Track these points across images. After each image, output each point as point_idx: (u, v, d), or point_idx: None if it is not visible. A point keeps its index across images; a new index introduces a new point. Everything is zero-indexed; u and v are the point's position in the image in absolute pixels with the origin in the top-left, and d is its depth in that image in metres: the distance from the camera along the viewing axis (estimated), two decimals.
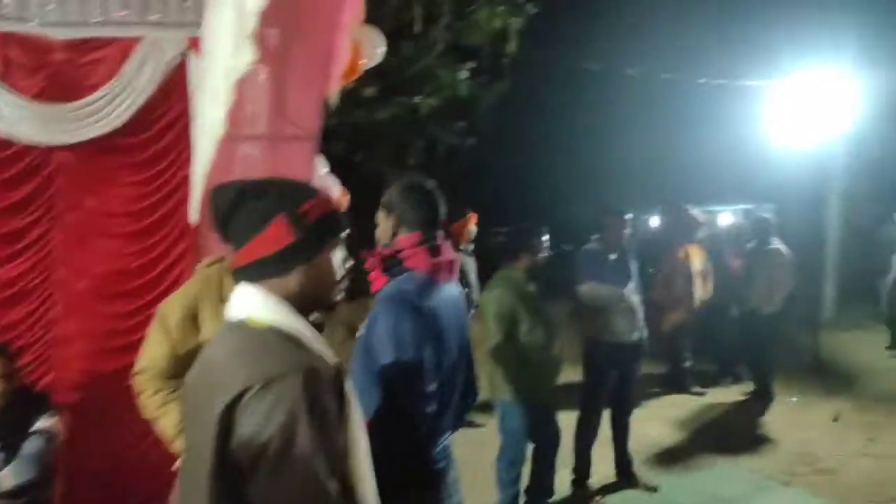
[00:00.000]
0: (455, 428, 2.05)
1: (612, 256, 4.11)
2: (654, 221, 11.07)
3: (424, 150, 8.56)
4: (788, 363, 6.71)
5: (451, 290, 1.98)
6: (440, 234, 1.98)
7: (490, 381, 3.44)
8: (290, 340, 1.26)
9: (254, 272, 1.30)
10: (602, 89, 10.90)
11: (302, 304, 1.32)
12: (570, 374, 4.56)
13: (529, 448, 3.54)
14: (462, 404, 2.07)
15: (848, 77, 8.17)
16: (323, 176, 2.92)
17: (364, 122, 7.36)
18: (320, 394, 1.20)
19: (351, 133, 7.65)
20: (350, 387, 1.32)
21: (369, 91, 6.83)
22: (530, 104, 12.55)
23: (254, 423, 1.15)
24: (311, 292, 1.34)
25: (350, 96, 6.68)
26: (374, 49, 2.85)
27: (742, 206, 11.83)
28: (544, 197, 13.67)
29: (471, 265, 5.46)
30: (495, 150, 12.36)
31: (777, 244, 6.03)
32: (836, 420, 5.38)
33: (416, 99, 7.32)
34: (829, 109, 8.20)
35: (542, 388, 3.44)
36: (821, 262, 9.35)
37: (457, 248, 5.51)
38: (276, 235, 1.28)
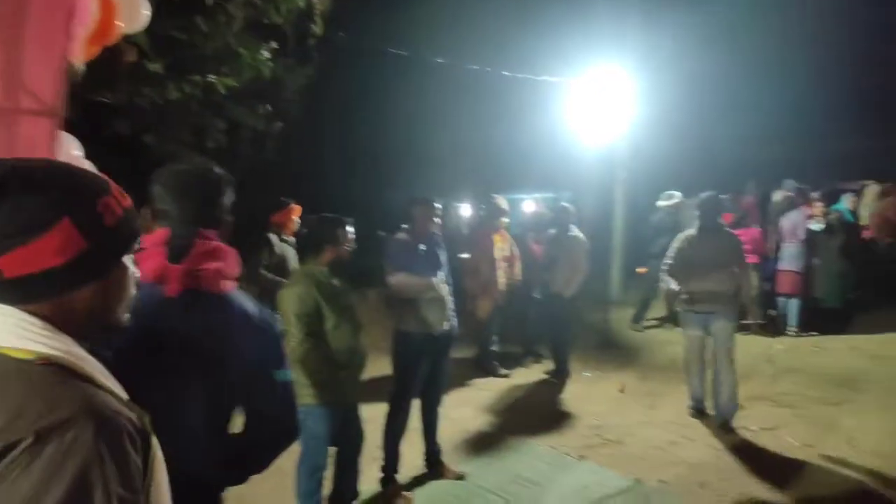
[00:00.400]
0: (214, 477, 1.59)
1: (422, 246, 4.06)
2: (465, 209, 11.43)
3: (227, 133, 7.90)
4: (583, 340, 7.28)
5: (203, 308, 1.54)
6: (212, 233, 1.66)
7: None
8: (71, 375, 0.92)
9: (19, 291, 0.95)
10: (414, 76, 10.96)
11: (83, 329, 1.00)
12: (380, 367, 4.47)
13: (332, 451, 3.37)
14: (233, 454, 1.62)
15: (628, 78, 9.04)
16: (72, 159, 2.44)
17: (153, 101, 6.57)
18: (121, 447, 0.88)
19: (138, 112, 6.81)
20: (156, 441, 0.99)
21: (155, 67, 6.09)
22: (344, 89, 12.27)
23: (21, 497, 0.80)
24: (99, 315, 1.03)
25: (135, 72, 5.92)
26: (135, 11, 2.42)
27: (542, 195, 12.68)
28: (362, 183, 13.50)
29: (295, 259, 5.17)
30: (309, 135, 11.90)
31: (576, 231, 6.47)
32: (622, 391, 5.91)
33: (212, 77, 6.68)
34: (613, 107, 9.01)
35: (348, 389, 3.26)
36: (609, 246, 10.31)
37: (280, 240, 5.24)
38: (59, 244, 0.94)
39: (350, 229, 3.34)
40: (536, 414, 5.43)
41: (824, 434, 4.78)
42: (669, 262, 5.15)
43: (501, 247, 6.47)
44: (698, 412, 5.18)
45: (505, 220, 6.69)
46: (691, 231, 5.13)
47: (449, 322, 4.12)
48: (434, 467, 4.22)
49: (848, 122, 12.90)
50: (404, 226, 4.12)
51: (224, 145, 7.93)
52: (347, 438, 3.36)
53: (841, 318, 8.11)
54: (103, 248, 1.00)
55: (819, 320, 7.96)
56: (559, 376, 6.36)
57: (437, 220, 4.09)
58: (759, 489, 3.97)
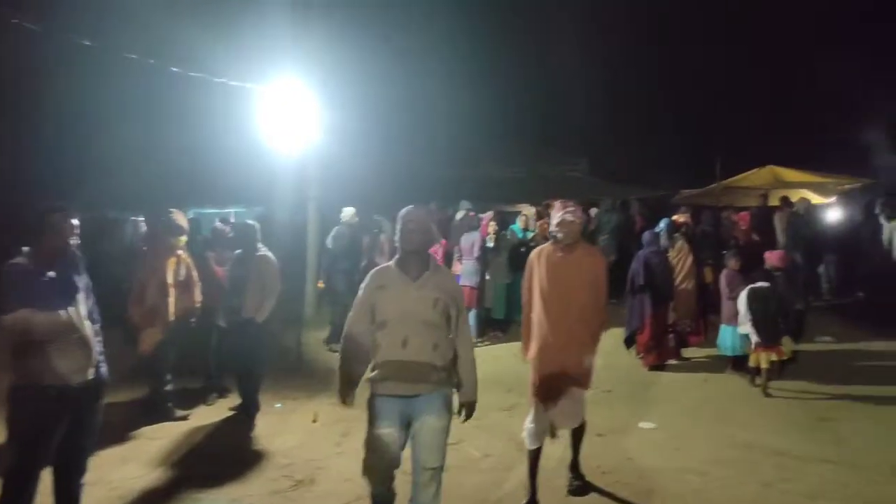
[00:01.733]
0: None
1: (50, 273, 3.15)
2: (136, 226, 9.90)
3: None
4: (275, 368, 6.74)
5: None
6: None
7: None
8: None
9: None
10: (69, 59, 9.05)
11: None
12: None
13: None
14: None
15: (313, 93, 8.89)
16: None
17: None
18: None
19: None
20: None
21: None
22: None
23: None
24: None
25: None
26: None
27: (231, 210, 11.80)
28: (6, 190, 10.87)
29: None
30: None
31: (264, 251, 5.91)
32: (315, 421, 5.56)
33: None
34: (303, 121, 8.76)
35: None
36: (302, 263, 9.94)
37: None
38: None
39: None
40: (219, 460, 4.74)
41: (500, 441, 5.08)
42: (352, 313, 3.24)
43: (181, 269, 5.64)
44: None
45: (182, 238, 5.86)
46: (389, 264, 3.23)
47: (95, 368, 3.27)
48: None
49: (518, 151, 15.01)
50: (25, 248, 3.15)
51: None
52: None
53: (508, 327, 9.03)
54: None
55: (493, 330, 8.80)
56: (248, 411, 5.72)
57: (74, 237, 3.22)
58: None
